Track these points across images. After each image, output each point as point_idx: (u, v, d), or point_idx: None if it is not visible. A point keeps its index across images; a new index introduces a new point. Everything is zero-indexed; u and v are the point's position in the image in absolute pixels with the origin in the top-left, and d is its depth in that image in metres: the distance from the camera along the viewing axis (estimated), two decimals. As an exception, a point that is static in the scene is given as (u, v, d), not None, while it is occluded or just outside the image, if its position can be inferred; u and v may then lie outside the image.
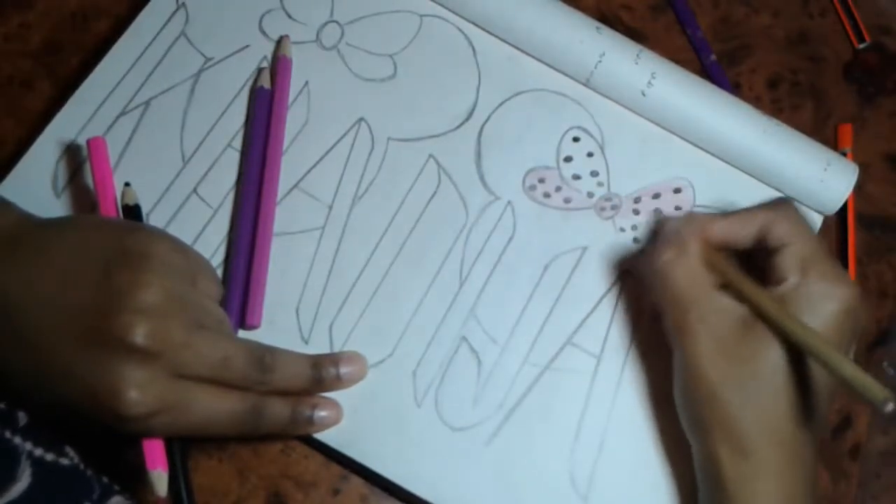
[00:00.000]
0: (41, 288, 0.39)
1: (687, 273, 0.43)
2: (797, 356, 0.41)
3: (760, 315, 0.42)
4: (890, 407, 0.36)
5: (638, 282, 0.49)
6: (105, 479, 0.42)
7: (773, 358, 0.41)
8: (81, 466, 0.41)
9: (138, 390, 0.38)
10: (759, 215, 0.44)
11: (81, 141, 0.48)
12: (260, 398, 0.42)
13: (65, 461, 0.41)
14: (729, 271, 0.43)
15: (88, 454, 0.43)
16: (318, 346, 0.46)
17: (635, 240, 0.50)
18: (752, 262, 0.45)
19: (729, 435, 0.41)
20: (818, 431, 0.42)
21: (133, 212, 0.45)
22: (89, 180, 0.46)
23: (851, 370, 0.38)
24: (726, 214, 0.45)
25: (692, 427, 0.44)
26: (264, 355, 0.42)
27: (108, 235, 0.40)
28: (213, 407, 0.41)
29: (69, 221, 0.43)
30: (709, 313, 0.42)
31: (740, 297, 0.42)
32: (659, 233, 0.47)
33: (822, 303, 0.41)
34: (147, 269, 0.39)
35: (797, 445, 0.41)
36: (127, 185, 0.46)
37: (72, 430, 0.42)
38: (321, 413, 0.44)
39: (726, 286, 0.43)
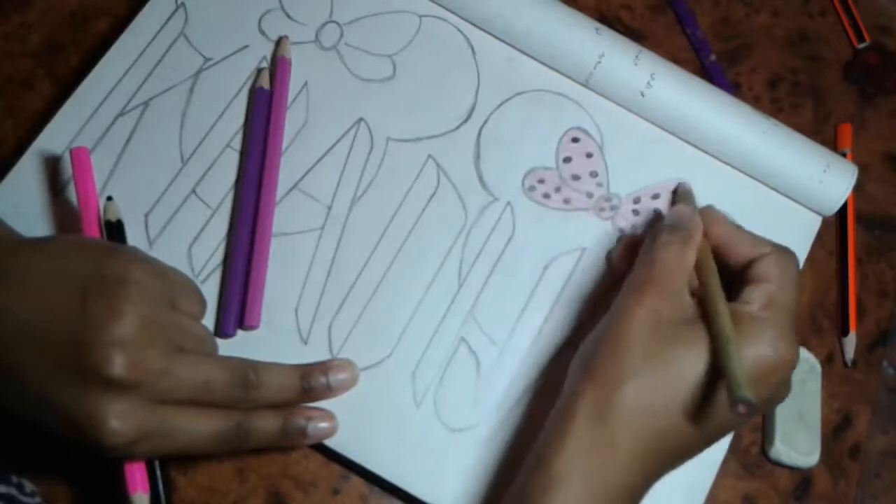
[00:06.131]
0: (18, 314, 0.39)
1: (678, 263, 0.43)
2: (714, 379, 0.40)
3: (706, 309, 0.41)
4: (739, 409, 0.36)
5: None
6: None
7: (695, 364, 0.40)
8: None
9: (118, 420, 0.38)
10: (765, 246, 0.44)
11: (79, 142, 0.48)
12: (245, 416, 0.42)
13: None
14: (710, 280, 0.42)
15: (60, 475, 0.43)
16: (316, 347, 0.47)
17: (635, 240, 0.50)
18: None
19: (603, 397, 0.40)
20: (681, 459, 0.41)
21: (115, 228, 0.45)
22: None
23: (737, 369, 0.37)
24: (736, 227, 0.45)
25: (579, 370, 0.42)
26: (248, 372, 0.42)
27: (85, 261, 0.40)
28: (197, 429, 0.41)
29: (48, 244, 0.41)
30: (670, 297, 0.42)
31: (702, 301, 0.42)
32: (672, 212, 0.46)
33: (760, 344, 0.40)
34: (123, 298, 0.39)
35: (650, 450, 0.40)
36: (109, 199, 0.45)
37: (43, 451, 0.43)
38: (315, 425, 0.44)
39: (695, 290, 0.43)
